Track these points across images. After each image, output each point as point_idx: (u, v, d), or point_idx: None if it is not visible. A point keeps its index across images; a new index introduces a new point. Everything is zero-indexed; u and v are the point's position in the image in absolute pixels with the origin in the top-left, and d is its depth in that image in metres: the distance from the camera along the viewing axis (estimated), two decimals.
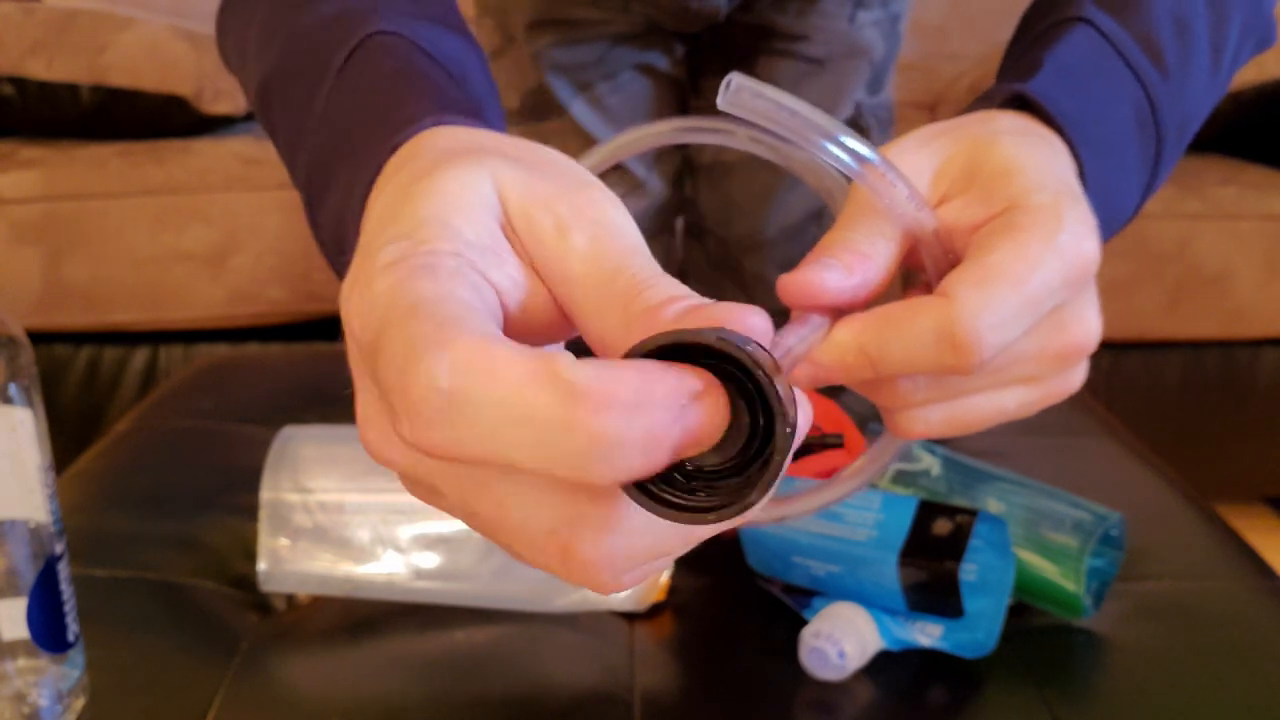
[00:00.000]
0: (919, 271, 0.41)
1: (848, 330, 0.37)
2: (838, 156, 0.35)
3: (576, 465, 0.23)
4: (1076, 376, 0.40)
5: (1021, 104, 0.46)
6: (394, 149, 0.36)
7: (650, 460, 0.24)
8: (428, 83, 0.42)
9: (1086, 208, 0.39)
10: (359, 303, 0.27)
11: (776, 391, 0.25)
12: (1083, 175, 0.44)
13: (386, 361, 0.25)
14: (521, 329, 0.30)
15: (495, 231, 0.30)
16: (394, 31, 0.44)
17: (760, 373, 0.25)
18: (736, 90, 0.33)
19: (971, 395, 0.39)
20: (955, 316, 0.35)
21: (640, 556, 0.27)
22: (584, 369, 0.23)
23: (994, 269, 0.36)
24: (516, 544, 0.27)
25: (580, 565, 0.26)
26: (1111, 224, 0.48)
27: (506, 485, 0.26)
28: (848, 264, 0.38)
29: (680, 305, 0.27)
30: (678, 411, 0.24)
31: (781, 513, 0.43)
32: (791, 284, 0.37)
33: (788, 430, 0.25)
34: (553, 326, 0.30)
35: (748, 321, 0.27)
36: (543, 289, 0.30)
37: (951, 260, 0.39)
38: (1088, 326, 0.39)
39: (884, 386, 0.38)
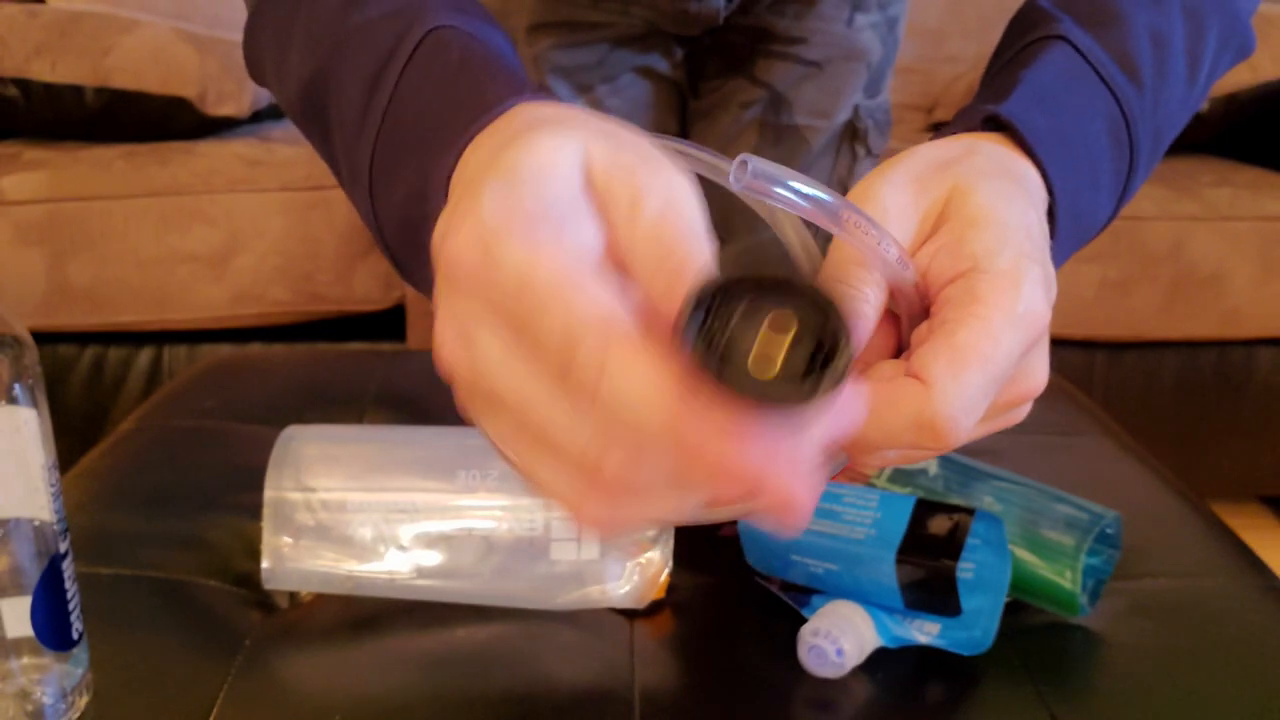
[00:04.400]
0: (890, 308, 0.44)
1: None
2: (837, 225, 0.37)
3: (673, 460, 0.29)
4: (1022, 413, 0.44)
5: (998, 124, 0.48)
6: (483, 127, 0.38)
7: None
8: (499, 70, 0.44)
9: (1044, 266, 0.42)
10: (470, 243, 0.31)
11: (846, 327, 0.28)
12: (1053, 195, 0.47)
13: (544, 334, 0.29)
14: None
15: (581, 193, 0.33)
16: (451, 26, 0.46)
17: (835, 309, 0.28)
18: (751, 174, 0.35)
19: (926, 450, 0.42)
20: (934, 407, 0.38)
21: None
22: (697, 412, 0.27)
23: (962, 350, 0.39)
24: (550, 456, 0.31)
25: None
26: (1083, 236, 0.51)
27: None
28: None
29: None
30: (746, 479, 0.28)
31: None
32: None
33: (850, 351, 0.27)
34: (620, 279, 0.33)
35: None
36: (614, 259, 0.33)
37: (924, 306, 0.43)
38: (1037, 378, 0.42)
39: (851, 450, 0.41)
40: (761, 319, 0.28)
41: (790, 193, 0.36)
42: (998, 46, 0.59)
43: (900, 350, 0.45)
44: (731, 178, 0.35)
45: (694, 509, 0.32)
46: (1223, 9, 0.56)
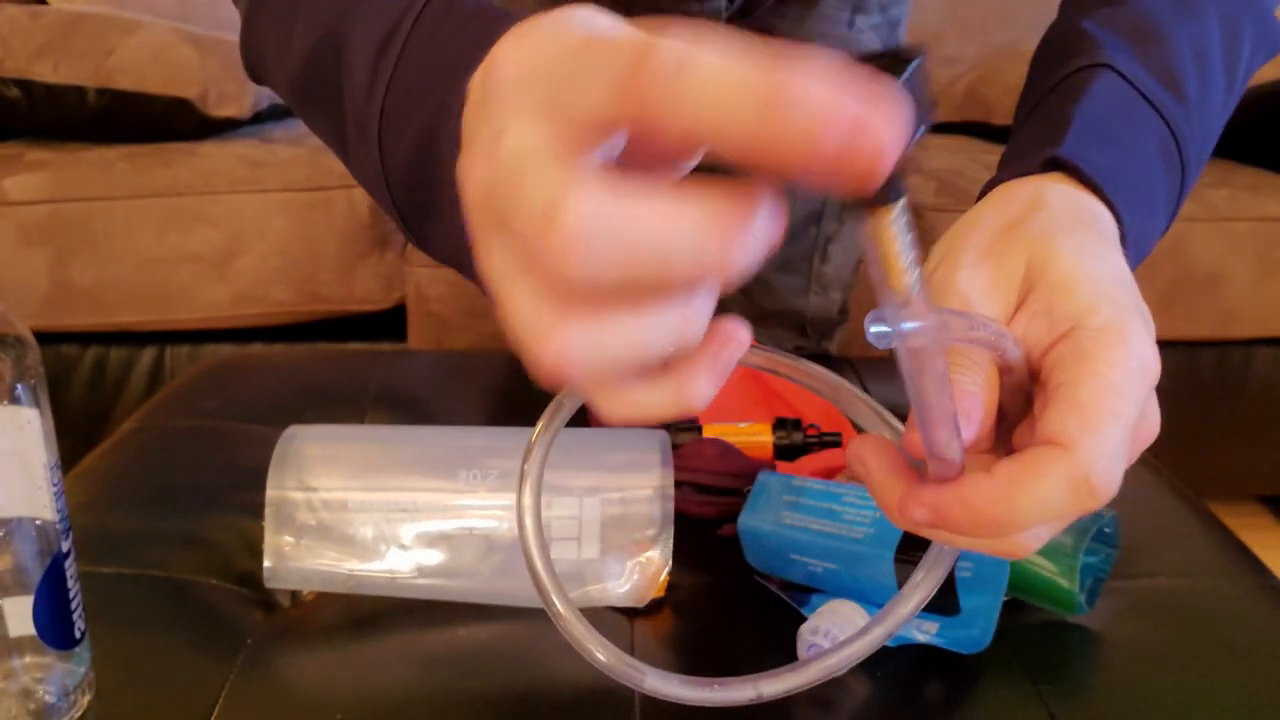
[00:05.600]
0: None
1: (977, 498, 0.38)
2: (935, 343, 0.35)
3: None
4: (1135, 456, 0.42)
5: (1058, 164, 0.47)
6: (488, 50, 0.35)
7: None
8: (511, 17, 0.41)
9: (1142, 312, 0.42)
10: (482, 158, 0.29)
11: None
12: (1122, 228, 0.46)
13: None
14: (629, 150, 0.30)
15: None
16: None
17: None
18: (884, 333, 0.34)
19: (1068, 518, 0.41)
20: (1087, 465, 0.37)
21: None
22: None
23: (1093, 409, 0.38)
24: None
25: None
26: (1141, 259, 0.50)
27: None
28: (964, 412, 0.39)
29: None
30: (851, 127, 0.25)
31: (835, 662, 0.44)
32: (914, 447, 0.39)
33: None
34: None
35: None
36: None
37: (1031, 376, 0.42)
38: (1153, 424, 0.42)
39: (1000, 538, 0.40)
40: None
41: (898, 340, 0.34)
42: (1034, 67, 0.58)
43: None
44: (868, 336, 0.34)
45: (648, 349, 0.30)
46: (1253, 10, 0.56)
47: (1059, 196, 0.46)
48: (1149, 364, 0.40)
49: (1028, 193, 0.47)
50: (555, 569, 0.64)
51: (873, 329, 0.33)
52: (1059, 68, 0.55)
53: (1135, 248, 0.48)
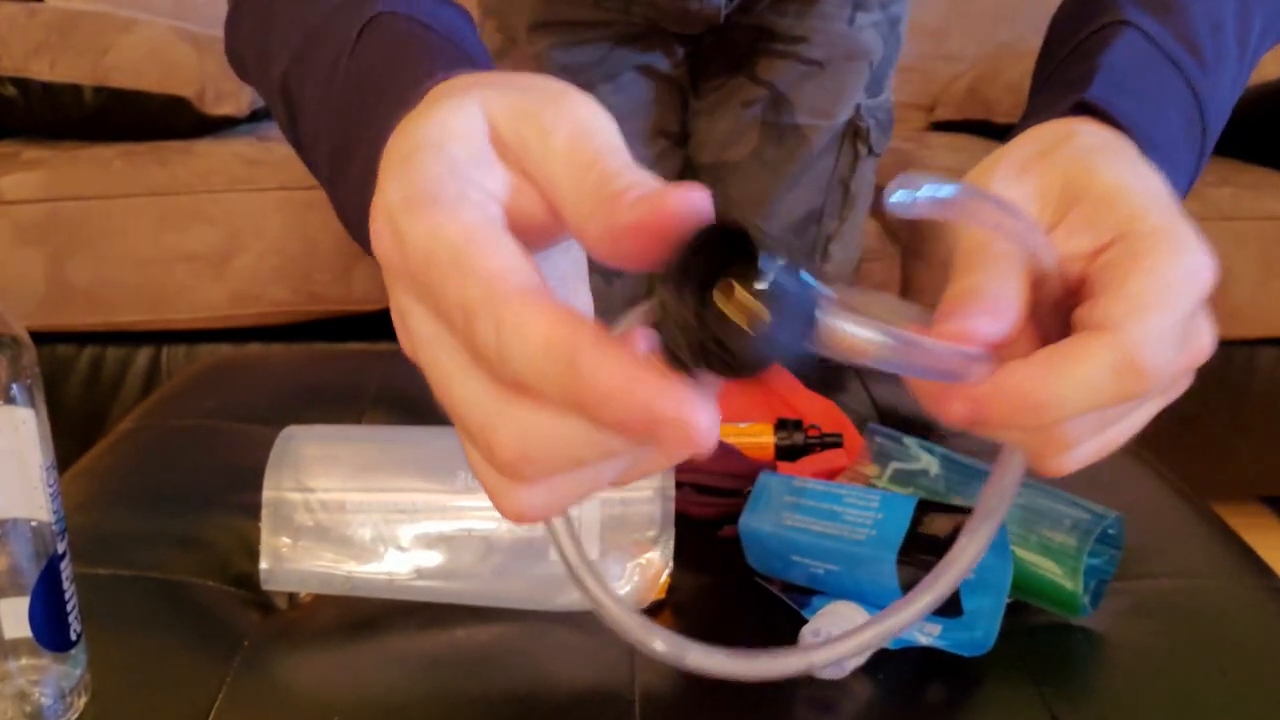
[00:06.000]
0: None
1: (1014, 380, 0.36)
2: (966, 216, 0.35)
3: (567, 406, 0.28)
4: (1185, 384, 0.42)
5: (1086, 110, 0.47)
6: (405, 112, 0.37)
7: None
8: (427, 49, 0.45)
9: (1190, 222, 0.40)
10: (384, 228, 0.31)
11: (759, 270, 0.27)
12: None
13: (448, 307, 0.29)
14: (519, 228, 0.32)
15: (484, 147, 0.32)
16: (392, 11, 0.47)
17: (760, 252, 0.27)
18: (903, 202, 0.33)
19: (1116, 422, 0.40)
20: (1132, 346, 0.36)
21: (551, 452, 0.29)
22: (592, 353, 0.27)
23: (1143, 298, 0.37)
24: (458, 406, 0.31)
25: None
26: None
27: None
28: (992, 310, 0.38)
29: (637, 191, 0.29)
30: (646, 425, 0.27)
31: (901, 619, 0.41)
32: (958, 327, 0.37)
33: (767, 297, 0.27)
34: (546, 224, 0.33)
35: (689, 197, 0.28)
36: (534, 192, 0.32)
37: (1068, 290, 0.40)
38: (1206, 338, 0.40)
39: (1042, 434, 0.38)
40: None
41: (932, 203, 0.34)
42: (1048, 38, 0.58)
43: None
44: (887, 202, 0.33)
45: (602, 484, 0.32)
46: None
47: (1090, 130, 0.45)
48: (1202, 270, 0.38)
49: (1058, 129, 0.45)
50: (555, 570, 0.64)
51: (894, 196, 0.32)
52: (1081, 28, 0.54)
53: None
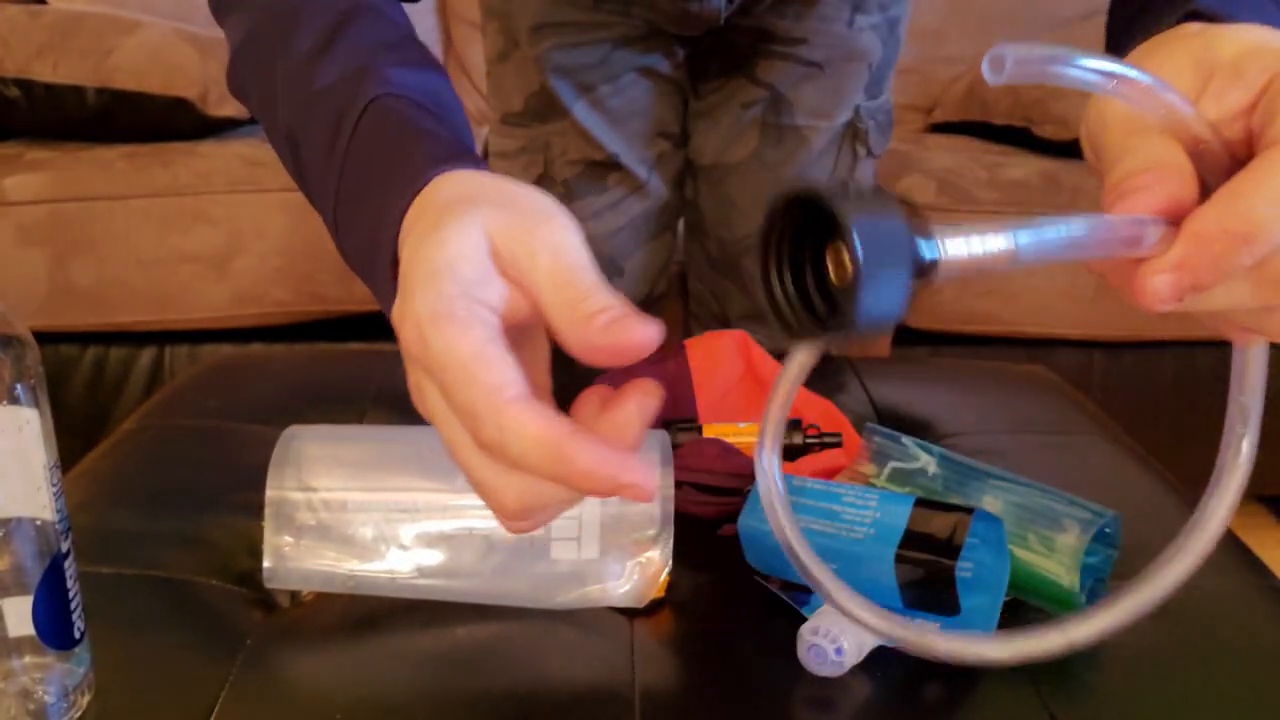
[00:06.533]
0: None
1: (1202, 220, 0.35)
2: (1101, 83, 0.35)
3: (555, 480, 0.39)
4: None
5: (1194, 16, 0.45)
6: (411, 199, 0.47)
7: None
8: (424, 135, 0.52)
9: None
10: (412, 333, 0.41)
11: (853, 239, 0.29)
12: None
13: (456, 405, 0.40)
14: (514, 321, 0.42)
15: (486, 263, 0.41)
16: (388, 94, 0.54)
17: (845, 225, 0.29)
18: (1008, 62, 0.33)
19: None
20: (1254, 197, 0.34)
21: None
22: (571, 444, 0.38)
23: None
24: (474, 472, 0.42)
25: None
26: None
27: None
28: (1161, 180, 0.37)
29: (606, 316, 0.39)
30: (613, 489, 0.39)
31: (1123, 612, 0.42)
32: (1129, 206, 0.37)
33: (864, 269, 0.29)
34: (533, 319, 0.42)
35: (645, 332, 0.38)
36: (524, 298, 0.41)
37: (1231, 153, 0.39)
38: None
39: (1265, 280, 0.36)
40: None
41: (1061, 68, 0.33)
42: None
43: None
44: (987, 74, 0.33)
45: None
46: None
47: (1202, 25, 0.43)
48: None
49: (1169, 33, 0.43)
50: (556, 569, 0.64)
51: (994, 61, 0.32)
52: None
53: None
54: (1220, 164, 0.39)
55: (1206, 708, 0.58)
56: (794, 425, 0.81)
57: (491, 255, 0.41)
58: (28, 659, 0.52)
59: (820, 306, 0.31)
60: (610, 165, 1.08)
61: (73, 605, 0.53)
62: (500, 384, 0.38)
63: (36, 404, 0.50)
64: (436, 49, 2.43)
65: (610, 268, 1.12)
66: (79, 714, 0.54)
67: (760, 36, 1.04)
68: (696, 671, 0.61)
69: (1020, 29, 2.32)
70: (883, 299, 0.29)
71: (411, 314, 0.41)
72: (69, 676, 0.54)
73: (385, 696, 0.57)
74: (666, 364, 0.88)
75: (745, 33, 1.04)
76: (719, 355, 0.89)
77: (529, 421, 0.38)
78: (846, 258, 0.29)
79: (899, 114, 1.15)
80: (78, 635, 0.54)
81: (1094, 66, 0.34)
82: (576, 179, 1.08)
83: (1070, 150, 1.88)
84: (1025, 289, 1.75)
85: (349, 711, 0.56)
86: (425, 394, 0.42)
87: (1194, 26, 0.43)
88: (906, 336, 1.81)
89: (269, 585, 0.65)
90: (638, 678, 0.59)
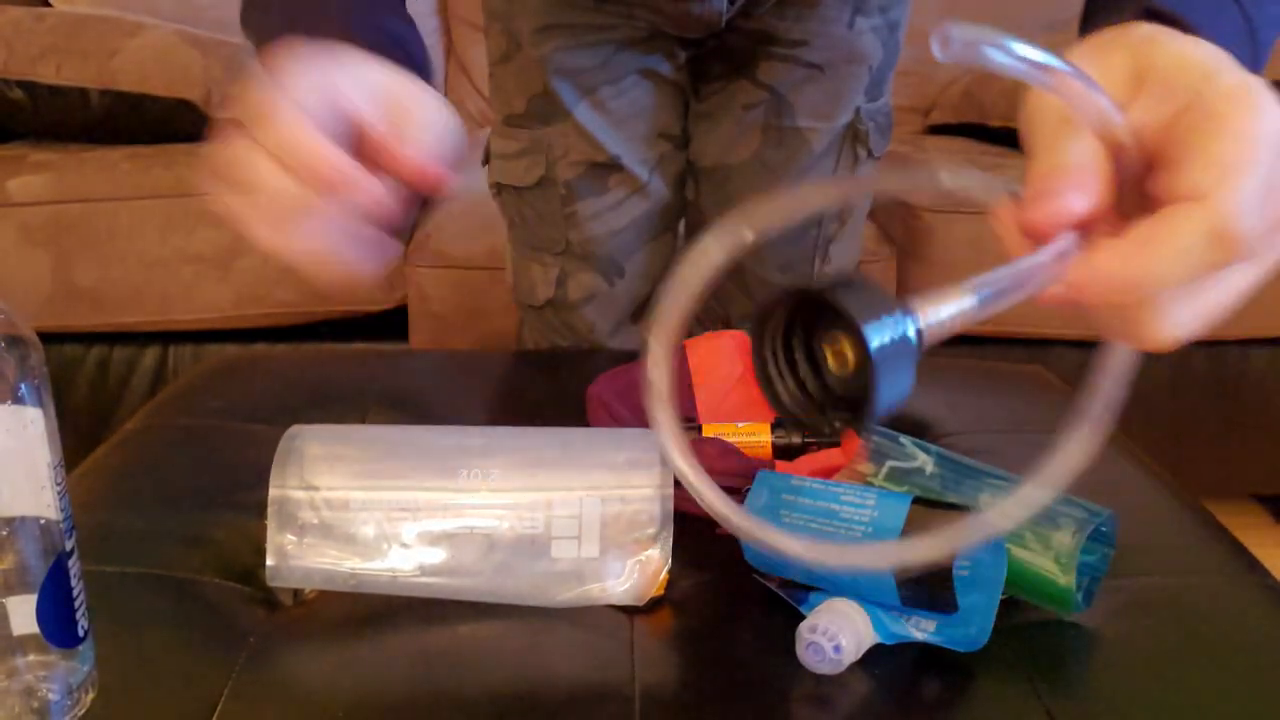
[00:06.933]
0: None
1: (1107, 259, 0.37)
2: (1035, 75, 0.36)
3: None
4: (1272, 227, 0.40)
5: (1149, 15, 0.46)
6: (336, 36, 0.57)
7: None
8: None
9: (1260, 81, 0.40)
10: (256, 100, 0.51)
11: (860, 327, 0.30)
12: None
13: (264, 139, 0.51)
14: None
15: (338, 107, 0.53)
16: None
17: (851, 318, 0.30)
18: (954, 43, 0.34)
19: (1210, 289, 0.40)
20: (1225, 214, 0.36)
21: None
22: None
23: (1226, 158, 0.37)
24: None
25: None
26: None
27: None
28: (1078, 184, 0.39)
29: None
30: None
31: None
32: (1038, 218, 0.38)
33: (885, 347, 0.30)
34: None
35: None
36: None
37: (1148, 163, 0.40)
38: None
39: (1137, 309, 0.39)
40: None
41: (998, 54, 0.35)
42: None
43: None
44: (936, 50, 0.35)
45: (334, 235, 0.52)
46: None
47: (1151, 26, 0.44)
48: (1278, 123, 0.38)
49: (1118, 30, 0.45)
50: (556, 567, 0.65)
51: (943, 39, 0.33)
52: None
53: None
54: (1136, 171, 0.40)
55: (1205, 707, 0.58)
56: (794, 425, 0.81)
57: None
58: (31, 657, 0.53)
59: (814, 386, 0.32)
60: (611, 166, 1.08)
61: (76, 604, 0.54)
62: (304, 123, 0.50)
63: (41, 403, 0.51)
64: (437, 49, 2.44)
65: (611, 267, 1.12)
66: (83, 712, 0.54)
67: (761, 38, 1.04)
68: (696, 670, 0.61)
69: (1018, 32, 2.31)
70: (896, 387, 0.31)
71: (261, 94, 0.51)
72: (72, 675, 0.54)
73: (387, 694, 0.57)
74: None
75: (746, 35, 1.04)
76: (719, 355, 0.90)
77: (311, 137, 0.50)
78: (847, 350, 0.30)
79: (896, 115, 1.15)
80: (81, 634, 0.54)
81: (1029, 57, 0.35)
82: (578, 180, 1.08)
83: None
84: None
85: (351, 709, 0.56)
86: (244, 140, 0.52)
87: (1144, 29, 0.43)
88: None
89: (271, 584, 0.65)
90: (637, 676, 0.59)
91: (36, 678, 0.53)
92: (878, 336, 0.30)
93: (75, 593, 0.54)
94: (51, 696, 0.53)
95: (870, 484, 0.73)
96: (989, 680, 0.59)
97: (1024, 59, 0.35)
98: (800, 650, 0.59)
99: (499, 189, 1.14)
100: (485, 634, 0.63)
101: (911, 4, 1.08)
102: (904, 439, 0.73)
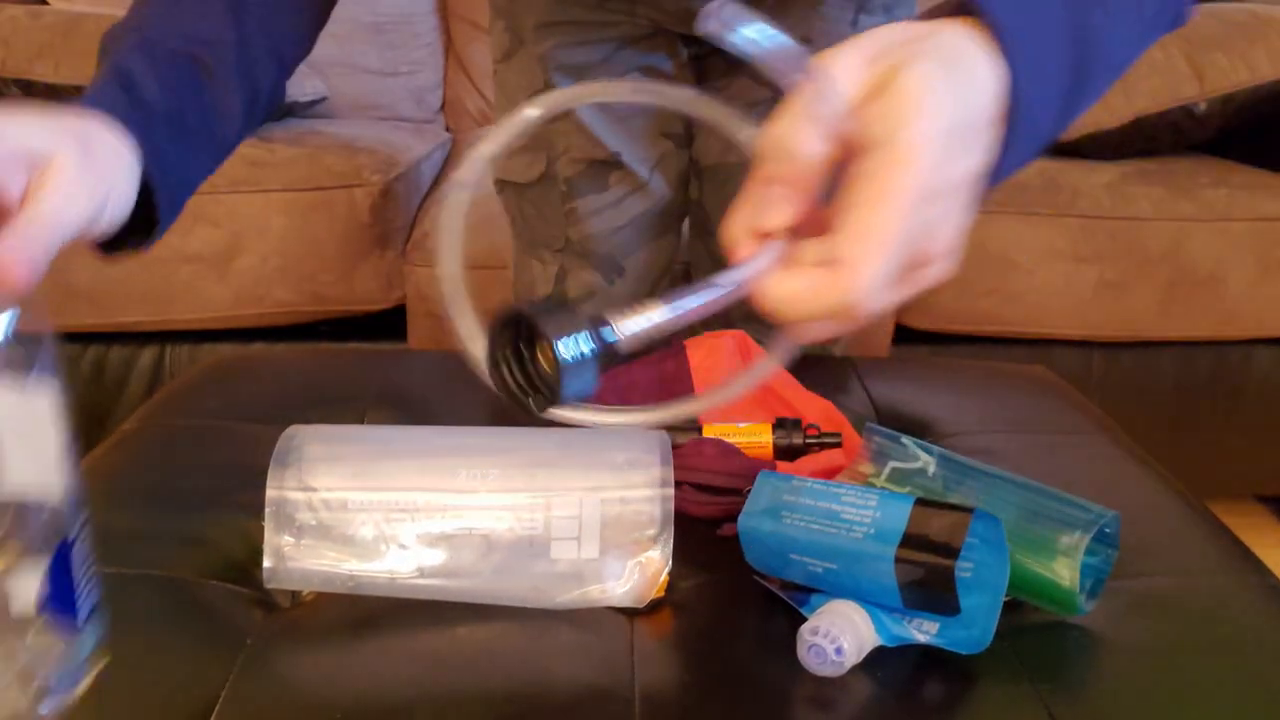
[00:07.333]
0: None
1: (763, 300, 0.46)
2: (778, 66, 0.43)
3: None
4: (937, 271, 0.48)
5: (963, 9, 0.51)
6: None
7: None
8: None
9: (950, 140, 0.46)
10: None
11: (544, 335, 0.43)
12: (1015, 81, 0.50)
13: None
14: None
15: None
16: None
17: (538, 331, 0.43)
18: (719, 16, 0.41)
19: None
20: (847, 298, 0.44)
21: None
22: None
23: (869, 235, 0.44)
24: None
25: None
26: (1036, 133, 0.53)
27: None
28: (784, 196, 0.47)
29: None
30: None
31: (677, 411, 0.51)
32: (735, 236, 0.47)
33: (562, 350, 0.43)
34: None
35: None
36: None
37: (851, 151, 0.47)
38: (942, 240, 0.47)
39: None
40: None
41: (751, 34, 0.42)
42: None
43: None
44: (700, 25, 0.41)
45: None
46: None
47: (952, 36, 0.49)
48: (933, 187, 0.45)
49: (928, 26, 0.50)
50: (555, 569, 0.64)
51: (720, 17, 0.40)
52: None
53: (1026, 108, 0.50)
54: (843, 156, 0.46)
55: (1205, 706, 0.58)
56: (794, 425, 0.81)
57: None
58: (31, 639, 0.52)
59: (525, 376, 0.45)
60: (612, 164, 1.08)
61: (82, 588, 0.53)
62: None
63: (50, 385, 0.51)
64: (437, 49, 2.43)
65: (611, 266, 1.12)
66: (81, 692, 0.54)
67: None
68: (696, 671, 0.61)
69: None
70: (579, 383, 0.43)
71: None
72: (72, 659, 0.54)
73: (385, 696, 0.57)
74: (666, 364, 0.88)
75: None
76: (719, 355, 0.89)
77: None
78: (550, 353, 0.43)
79: None
80: (85, 618, 0.54)
81: (770, 48, 0.42)
82: (578, 177, 1.08)
83: (1069, 151, 1.88)
84: (1025, 289, 1.76)
85: (349, 711, 0.56)
86: None
87: (937, 39, 0.48)
88: (906, 336, 1.81)
89: (269, 585, 0.65)
90: (637, 678, 0.59)
91: (35, 660, 0.53)
92: (565, 348, 0.42)
93: (80, 578, 0.53)
94: (49, 681, 0.53)
95: (872, 485, 0.72)
96: (991, 683, 0.59)
97: (768, 49, 0.42)
98: (801, 652, 0.58)
99: (501, 186, 1.14)
100: (484, 635, 0.62)
101: (917, 2, 1.08)
102: (906, 440, 0.73)
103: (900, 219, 0.44)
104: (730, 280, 0.47)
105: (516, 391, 0.45)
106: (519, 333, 0.44)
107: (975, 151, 0.48)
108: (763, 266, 0.47)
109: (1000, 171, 0.52)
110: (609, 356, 0.44)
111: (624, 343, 0.45)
